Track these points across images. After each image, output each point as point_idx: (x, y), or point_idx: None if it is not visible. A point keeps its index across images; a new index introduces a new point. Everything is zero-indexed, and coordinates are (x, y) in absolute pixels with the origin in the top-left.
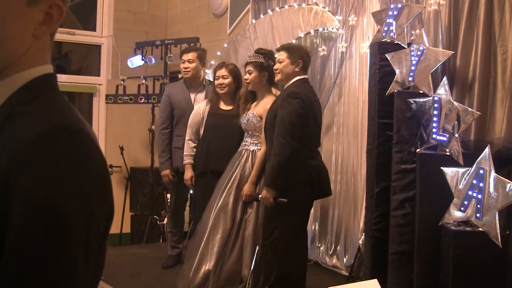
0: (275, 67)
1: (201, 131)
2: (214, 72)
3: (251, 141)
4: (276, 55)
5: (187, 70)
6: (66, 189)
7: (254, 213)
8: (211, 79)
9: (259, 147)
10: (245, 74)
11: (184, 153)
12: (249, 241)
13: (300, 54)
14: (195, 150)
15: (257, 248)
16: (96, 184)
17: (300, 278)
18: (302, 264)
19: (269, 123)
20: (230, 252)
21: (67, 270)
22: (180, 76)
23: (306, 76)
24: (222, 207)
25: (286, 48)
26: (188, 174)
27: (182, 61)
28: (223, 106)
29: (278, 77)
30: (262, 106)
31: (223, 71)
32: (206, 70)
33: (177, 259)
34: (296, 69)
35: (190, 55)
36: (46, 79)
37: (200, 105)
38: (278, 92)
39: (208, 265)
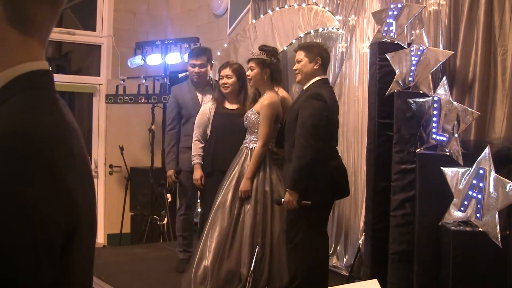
0: (294, 67)
1: (208, 131)
2: (219, 71)
3: (251, 138)
4: (280, 54)
5: (199, 74)
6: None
7: (252, 211)
8: (217, 79)
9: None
10: (248, 70)
11: (193, 154)
12: (247, 239)
13: (318, 51)
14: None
15: (257, 248)
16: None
17: (323, 278)
18: (325, 264)
19: (290, 124)
20: (229, 250)
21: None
22: (180, 75)
23: (326, 77)
24: (220, 205)
25: (303, 47)
26: (198, 174)
27: (193, 65)
28: (228, 105)
29: (298, 77)
30: (260, 102)
31: (227, 71)
32: None
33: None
34: (315, 67)
35: (201, 60)
36: (25, 77)
37: (206, 106)
38: (280, 89)
39: (206, 262)
